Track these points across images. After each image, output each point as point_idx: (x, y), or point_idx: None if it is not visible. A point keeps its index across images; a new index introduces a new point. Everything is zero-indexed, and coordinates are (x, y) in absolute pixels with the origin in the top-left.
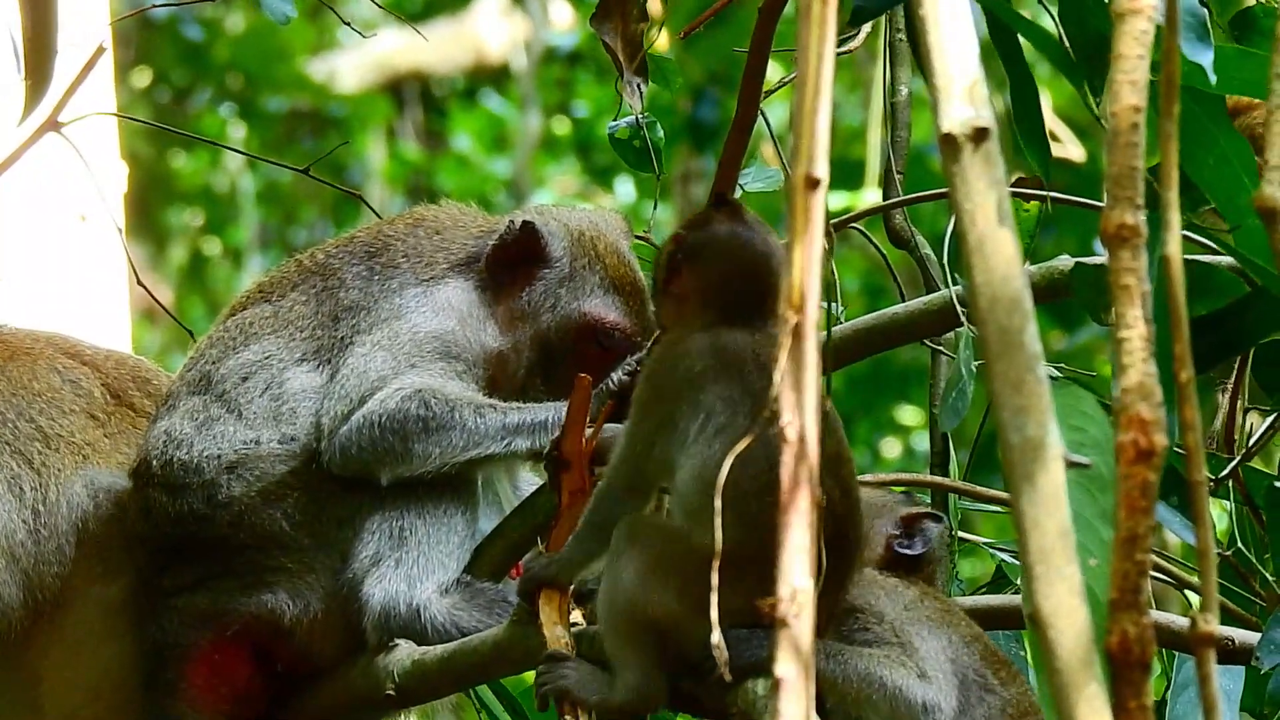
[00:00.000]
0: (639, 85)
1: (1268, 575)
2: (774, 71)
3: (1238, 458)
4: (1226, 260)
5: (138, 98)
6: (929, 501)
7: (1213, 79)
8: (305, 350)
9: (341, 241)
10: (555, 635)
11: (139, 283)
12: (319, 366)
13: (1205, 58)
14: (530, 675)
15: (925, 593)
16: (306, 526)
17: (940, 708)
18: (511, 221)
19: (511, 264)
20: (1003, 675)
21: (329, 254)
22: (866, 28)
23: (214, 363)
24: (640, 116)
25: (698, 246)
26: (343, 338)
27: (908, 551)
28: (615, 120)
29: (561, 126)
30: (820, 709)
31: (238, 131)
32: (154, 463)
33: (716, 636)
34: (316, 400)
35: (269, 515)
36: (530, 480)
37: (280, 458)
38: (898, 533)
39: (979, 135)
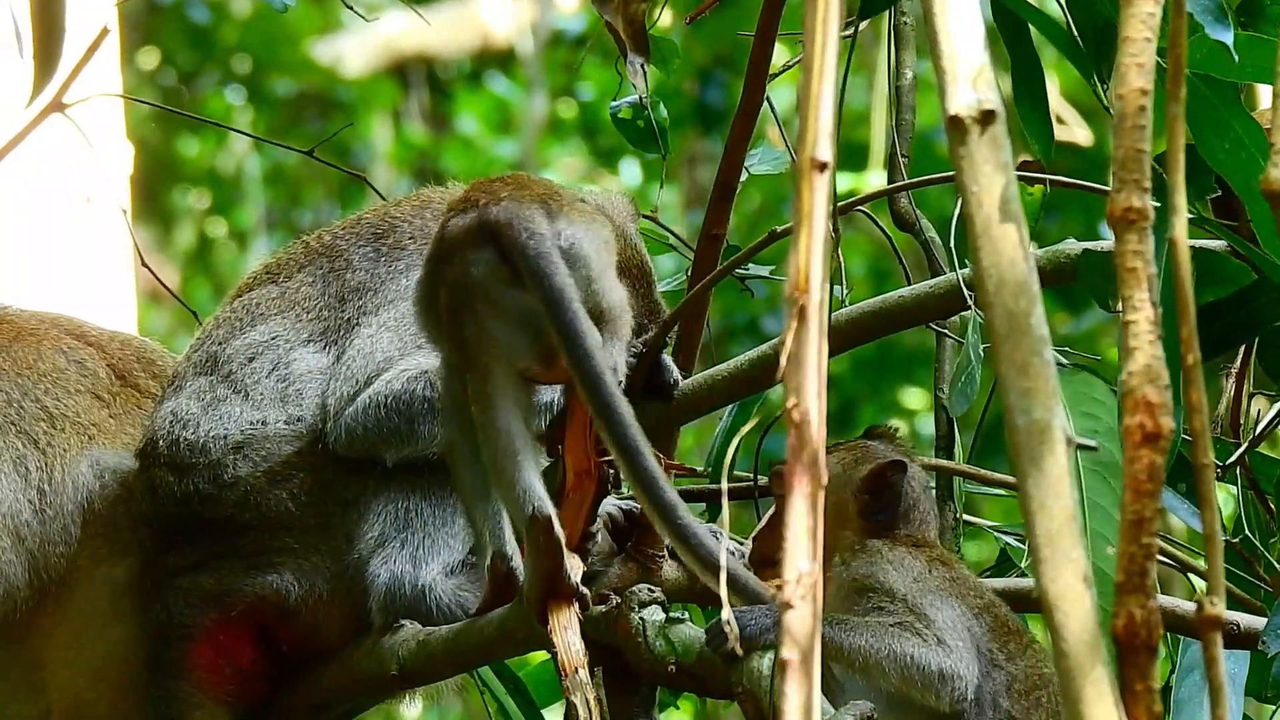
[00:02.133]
0: (641, 65)
1: (1273, 560)
2: (780, 55)
3: (1244, 443)
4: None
5: (144, 80)
6: (935, 483)
7: (1235, 57)
8: (312, 331)
9: (348, 223)
10: (566, 643)
11: (144, 264)
12: (325, 347)
13: (1226, 36)
14: (534, 656)
15: (933, 560)
16: (312, 507)
17: (960, 675)
18: None
19: None
20: (1011, 648)
21: (336, 235)
22: None
23: (221, 343)
24: (643, 96)
25: None
26: (349, 319)
27: (881, 517)
28: (617, 100)
29: (567, 109)
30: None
31: (244, 115)
32: (160, 443)
33: (727, 613)
34: (323, 381)
35: (275, 496)
36: None
37: (286, 438)
38: (866, 496)
39: (986, 118)
